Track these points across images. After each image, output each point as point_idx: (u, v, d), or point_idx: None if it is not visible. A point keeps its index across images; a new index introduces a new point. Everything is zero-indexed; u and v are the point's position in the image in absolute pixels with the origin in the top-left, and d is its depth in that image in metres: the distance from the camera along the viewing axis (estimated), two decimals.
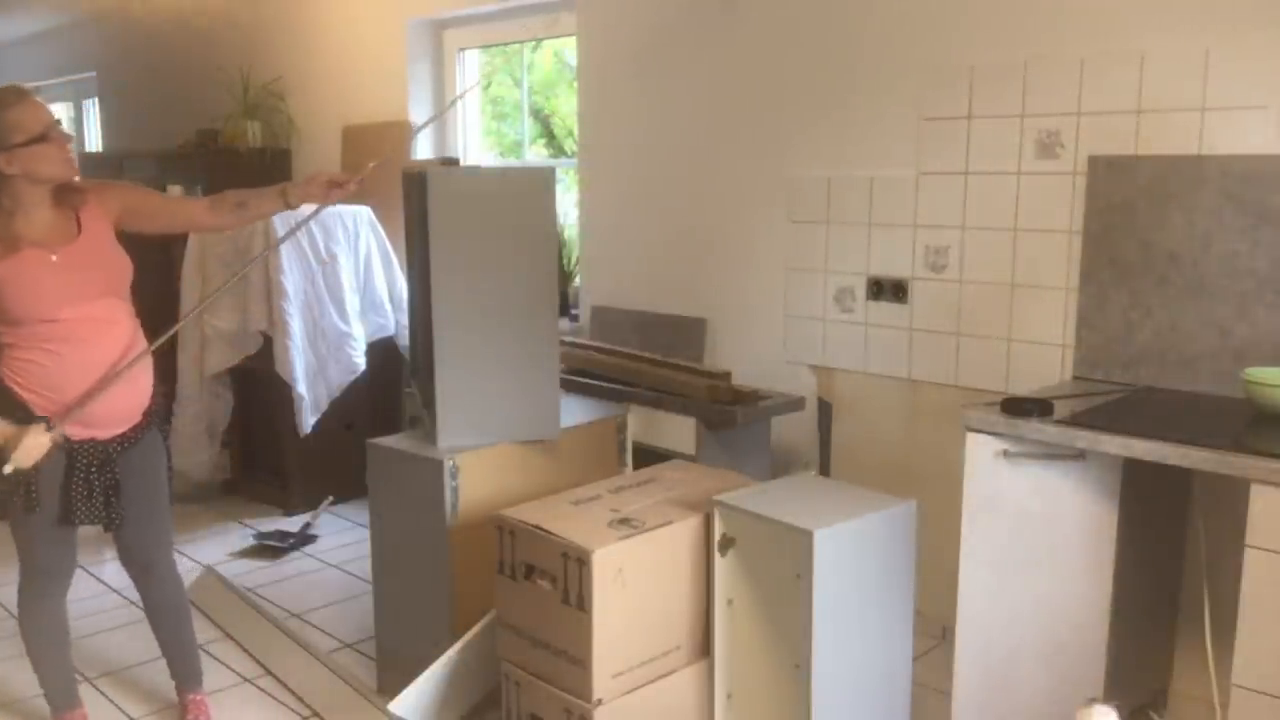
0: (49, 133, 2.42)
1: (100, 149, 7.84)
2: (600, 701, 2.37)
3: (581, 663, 2.36)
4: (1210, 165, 2.68)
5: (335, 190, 2.65)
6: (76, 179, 2.56)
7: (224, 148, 5.79)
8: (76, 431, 2.52)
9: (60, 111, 9.10)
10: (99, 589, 3.89)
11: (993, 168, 3.11)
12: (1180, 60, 2.72)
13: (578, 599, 2.34)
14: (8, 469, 2.34)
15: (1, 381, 2.50)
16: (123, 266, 2.63)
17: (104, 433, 2.57)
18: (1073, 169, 2.94)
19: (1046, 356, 3.05)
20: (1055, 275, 3.01)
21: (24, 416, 2.46)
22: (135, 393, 2.63)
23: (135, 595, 3.78)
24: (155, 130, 6.73)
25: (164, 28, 6.78)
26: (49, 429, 2.42)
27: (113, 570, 4.12)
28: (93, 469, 2.56)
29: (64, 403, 2.48)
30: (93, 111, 8.20)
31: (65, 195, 2.54)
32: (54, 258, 2.46)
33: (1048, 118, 2.97)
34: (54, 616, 2.74)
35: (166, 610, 2.87)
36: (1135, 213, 2.82)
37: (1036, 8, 2.98)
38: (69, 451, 2.53)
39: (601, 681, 2.36)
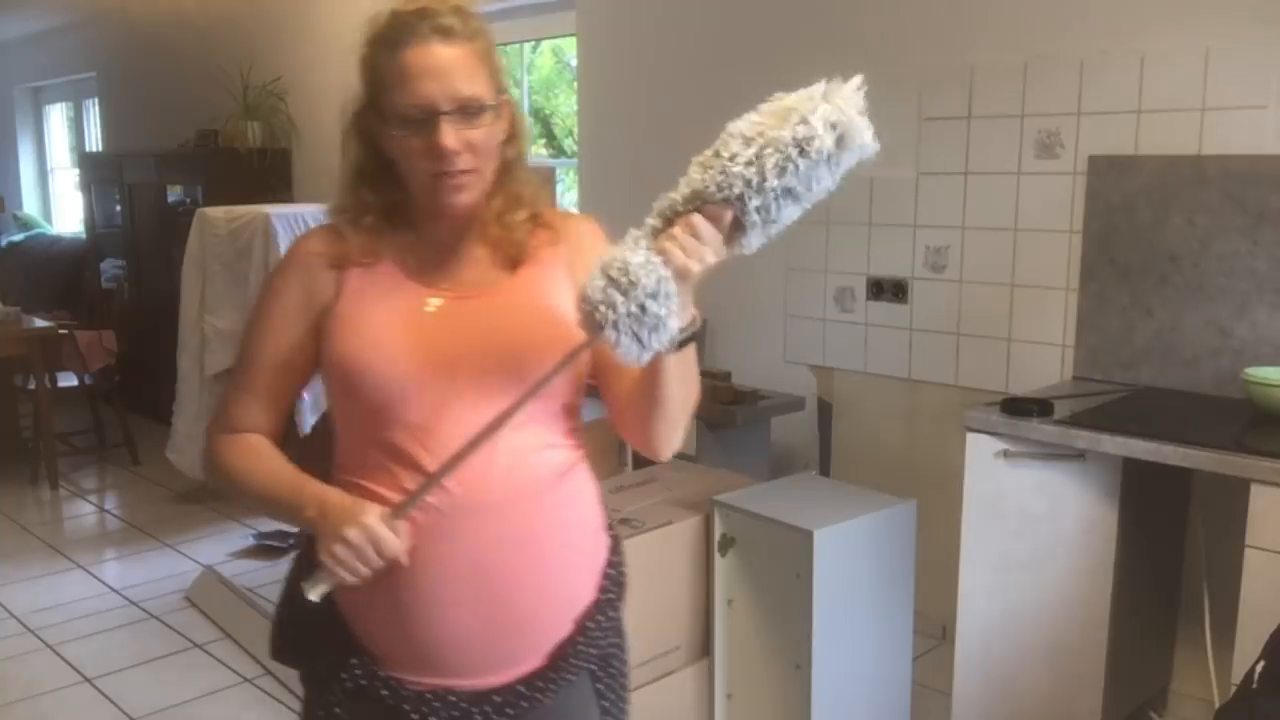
0: (421, 119, 1.27)
1: (100, 149, 7.84)
2: None
3: None
4: (1210, 165, 2.68)
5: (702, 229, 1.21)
6: (461, 204, 1.33)
7: (224, 148, 5.79)
8: (422, 676, 1.35)
9: (60, 112, 9.10)
10: (99, 589, 3.89)
11: (993, 168, 3.11)
12: (1180, 60, 2.72)
13: None
14: (312, 594, 1.24)
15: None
16: (554, 344, 1.29)
17: (464, 679, 1.35)
18: (1073, 169, 2.94)
19: (1046, 356, 3.05)
20: (1055, 275, 3.01)
21: (337, 642, 1.37)
22: (536, 603, 1.36)
23: (135, 595, 3.80)
24: (155, 130, 6.73)
25: (164, 28, 6.78)
26: (394, 517, 1.24)
27: (113, 570, 4.13)
28: None
29: (409, 638, 1.34)
30: (93, 111, 8.21)
31: (513, 231, 1.40)
32: (432, 301, 1.35)
33: (1048, 118, 2.97)
34: None
35: None
36: (1135, 213, 2.82)
37: (1036, 8, 2.98)
38: (390, 709, 1.35)
39: None
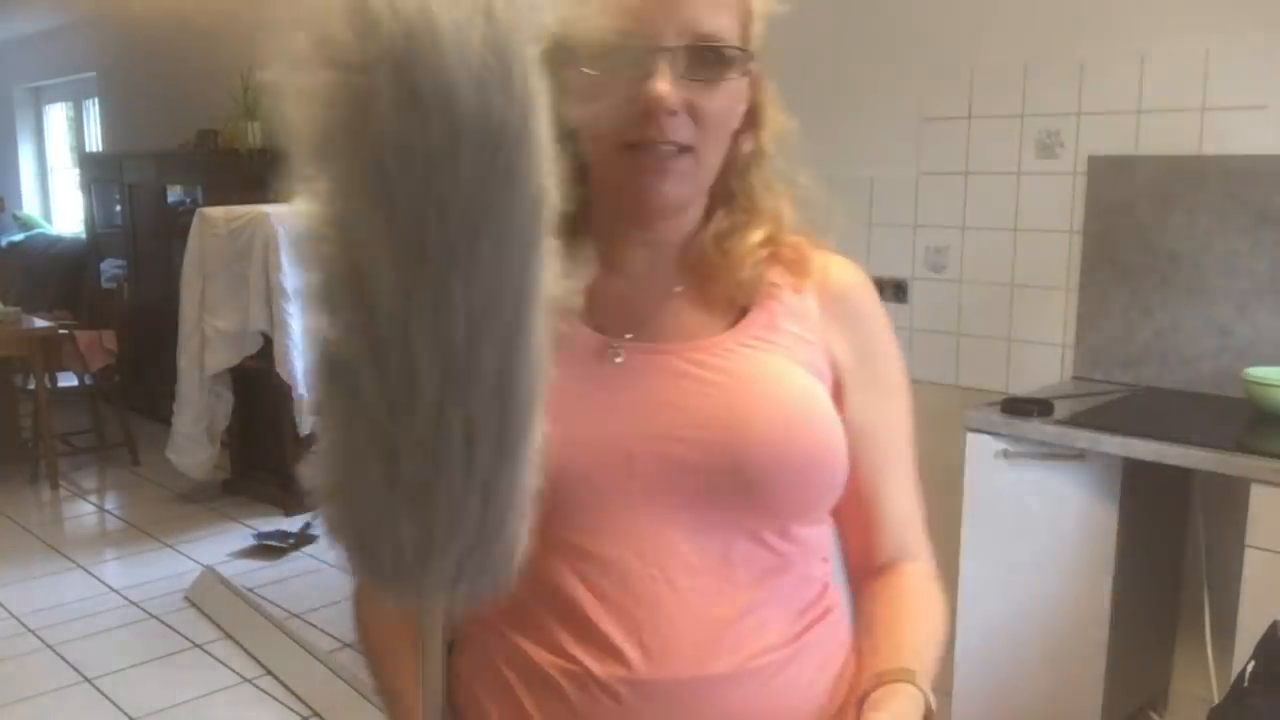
0: (628, 55, 0.81)
1: (100, 149, 7.84)
2: None
3: None
4: (1210, 165, 2.68)
5: None
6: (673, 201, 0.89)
7: (224, 148, 5.79)
8: None
9: (60, 112, 9.11)
10: (99, 589, 3.89)
11: (993, 168, 3.11)
12: (1180, 60, 2.72)
13: None
14: None
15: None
16: (791, 437, 0.89)
17: None
18: (1073, 169, 2.94)
19: (1046, 356, 3.05)
20: (1055, 275, 3.01)
21: None
22: None
23: (135, 595, 3.80)
24: (155, 130, 6.73)
25: (164, 28, 6.78)
26: None
27: (113, 570, 4.13)
28: None
29: None
30: (93, 111, 8.21)
31: (739, 263, 0.95)
32: (618, 351, 0.90)
33: (1048, 118, 2.97)
34: None
35: None
36: (1135, 213, 2.82)
37: (1036, 8, 2.98)
38: None
39: None
